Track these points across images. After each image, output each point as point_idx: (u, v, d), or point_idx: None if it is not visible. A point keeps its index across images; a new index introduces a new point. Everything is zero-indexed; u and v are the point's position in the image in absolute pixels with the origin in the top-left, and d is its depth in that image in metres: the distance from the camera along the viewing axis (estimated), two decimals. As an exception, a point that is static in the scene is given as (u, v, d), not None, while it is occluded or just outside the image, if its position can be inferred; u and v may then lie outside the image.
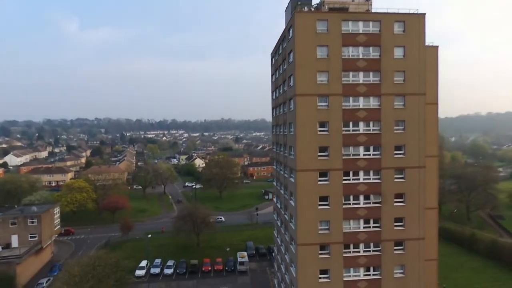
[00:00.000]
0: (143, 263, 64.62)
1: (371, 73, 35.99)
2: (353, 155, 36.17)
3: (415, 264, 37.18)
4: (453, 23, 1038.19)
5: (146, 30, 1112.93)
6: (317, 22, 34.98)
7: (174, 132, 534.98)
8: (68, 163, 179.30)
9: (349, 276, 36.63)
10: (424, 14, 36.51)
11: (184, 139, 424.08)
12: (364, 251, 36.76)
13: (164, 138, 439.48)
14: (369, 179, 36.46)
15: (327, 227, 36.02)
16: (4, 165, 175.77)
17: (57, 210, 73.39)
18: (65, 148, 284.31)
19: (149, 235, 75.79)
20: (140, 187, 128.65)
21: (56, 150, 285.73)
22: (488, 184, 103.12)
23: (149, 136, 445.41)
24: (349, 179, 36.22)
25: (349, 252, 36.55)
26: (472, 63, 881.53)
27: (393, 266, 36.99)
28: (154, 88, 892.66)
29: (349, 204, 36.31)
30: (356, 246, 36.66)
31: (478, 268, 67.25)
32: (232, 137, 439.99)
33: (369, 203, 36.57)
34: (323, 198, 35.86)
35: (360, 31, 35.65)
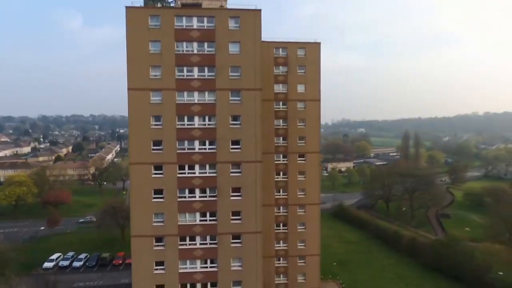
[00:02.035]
0: (54, 256, 65.73)
1: (206, 68, 36.50)
2: (188, 149, 36.73)
3: (252, 257, 37.73)
4: (452, 23, 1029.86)
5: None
6: (150, 18, 35.53)
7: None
8: (41, 158, 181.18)
9: (185, 268, 37.26)
10: (260, 10, 36.95)
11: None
12: (200, 244, 37.36)
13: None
14: (205, 173, 37.04)
15: (161, 220, 36.66)
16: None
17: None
18: (48, 144, 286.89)
19: (68, 231, 76.99)
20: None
21: (42, 146, 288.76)
22: (429, 185, 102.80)
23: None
24: (185, 173, 36.80)
25: (185, 244, 37.17)
26: (471, 63, 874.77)
27: (230, 259, 37.56)
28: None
29: (185, 197, 36.90)
30: (192, 238, 37.26)
31: (388, 265, 67.51)
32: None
33: (205, 196, 37.16)
34: (158, 191, 36.49)
35: (194, 27, 36.14)
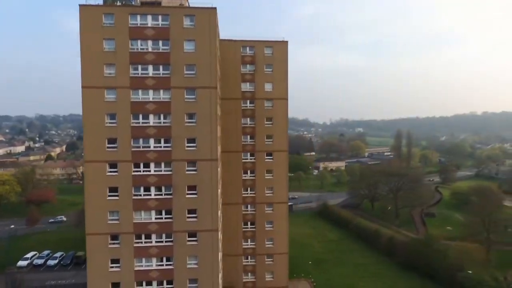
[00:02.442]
0: (29, 254, 65.85)
1: (160, 66, 36.52)
2: (143, 147, 36.77)
3: (208, 255, 37.74)
4: (453, 23, 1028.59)
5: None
6: (104, 16, 35.55)
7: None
8: (32, 157, 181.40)
9: (141, 266, 37.30)
10: (215, 8, 36.94)
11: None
12: (156, 242, 37.40)
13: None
14: (160, 171, 37.06)
15: (117, 218, 36.69)
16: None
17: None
18: (43, 143, 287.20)
19: (48, 229, 77.02)
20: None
21: (37, 145, 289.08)
22: (413, 184, 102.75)
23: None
24: (140, 171, 36.83)
25: (141, 242, 37.20)
26: (471, 63, 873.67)
27: (185, 257, 37.57)
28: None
29: (140, 195, 36.93)
30: (148, 236, 37.29)
31: (365, 264, 67.51)
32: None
33: (161, 194, 37.19)
34: (113, 189, 36.51)
35: (149, 25, 36.17)
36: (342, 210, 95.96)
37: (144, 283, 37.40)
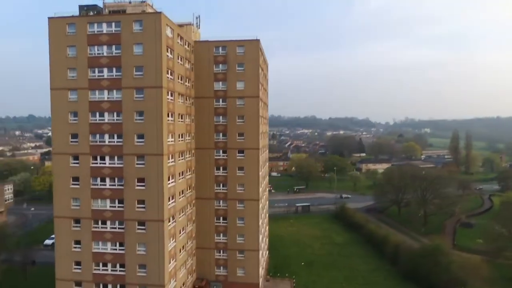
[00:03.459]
0: (55, 234, 75.97)
1: (114, 69, 40.14)
2: (99, 141, 40.83)
3: (155, 243, 40.34)
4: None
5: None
6: (68, 26, 40.40)
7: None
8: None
9: (98, 248, 41.47)
10: (160, 13, 39.33)
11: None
12: (110, 228, 41.20)
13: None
14: (114, 163, 40.73)
15: (78, 204, 41.38)
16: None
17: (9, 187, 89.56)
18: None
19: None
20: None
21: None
22: (443, 189, 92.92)
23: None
24: (97, 163, 40.99)
25: (98, 227, 41.37)
26: None
27: (135, 244, 40.73)
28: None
29: (97, 185, 41.08)
30: (104, 222, 41.28)
31: (363, 270, 64.59)
32: (269, 133, 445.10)
33: (114, 185, 40.85)
34: (75, 178, 41.29)
35: (104, 32, 40.05)
36: (357, 214, 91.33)
37: (100, 264, 41.56)
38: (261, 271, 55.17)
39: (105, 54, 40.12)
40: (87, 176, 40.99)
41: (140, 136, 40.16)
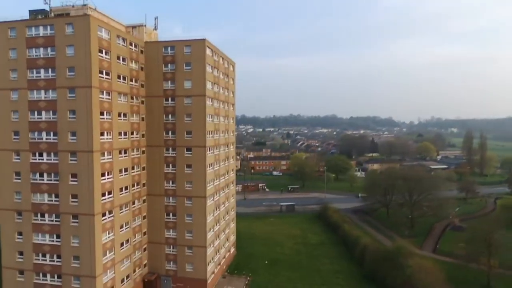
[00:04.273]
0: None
1: (49, 70, 42.26)
2: (37, 138, 43.14)
3: (87, 236, 42.14)
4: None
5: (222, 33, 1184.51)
6: (9, 29, 43.00)
7: (242, 127, 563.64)
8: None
9: (38, 239, 43.88)
10: (89, 16, 40.93)
11: (243, 134, 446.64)
12: (48, 220, 43.45)
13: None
14: (50, 159, 42.93)
15: (20, 197, 43.97)
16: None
17: None
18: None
19: None
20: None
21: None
22: (432, 191, 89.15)
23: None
24: (36, 159, 43.34)
25: (37, 219, 43.74)
26: None
27: (70, 236, 42.73)
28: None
29: (36, 179, 43.45)
30: (42, 215, 43.58)
31: (325, 271, 63.65)
32: (284, 133, 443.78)
33: (51, 180, 43.05)
34: (17, 173, 43.91)
35: (41, 35, 42.26)
36: (336, 214, 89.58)
37: (40, 255, 43.96)
38: (211, 267, 55.83)
39: (41, 56, 42.33)
40: (27, 171, 43.48)
41: (73, 134, 42.05)
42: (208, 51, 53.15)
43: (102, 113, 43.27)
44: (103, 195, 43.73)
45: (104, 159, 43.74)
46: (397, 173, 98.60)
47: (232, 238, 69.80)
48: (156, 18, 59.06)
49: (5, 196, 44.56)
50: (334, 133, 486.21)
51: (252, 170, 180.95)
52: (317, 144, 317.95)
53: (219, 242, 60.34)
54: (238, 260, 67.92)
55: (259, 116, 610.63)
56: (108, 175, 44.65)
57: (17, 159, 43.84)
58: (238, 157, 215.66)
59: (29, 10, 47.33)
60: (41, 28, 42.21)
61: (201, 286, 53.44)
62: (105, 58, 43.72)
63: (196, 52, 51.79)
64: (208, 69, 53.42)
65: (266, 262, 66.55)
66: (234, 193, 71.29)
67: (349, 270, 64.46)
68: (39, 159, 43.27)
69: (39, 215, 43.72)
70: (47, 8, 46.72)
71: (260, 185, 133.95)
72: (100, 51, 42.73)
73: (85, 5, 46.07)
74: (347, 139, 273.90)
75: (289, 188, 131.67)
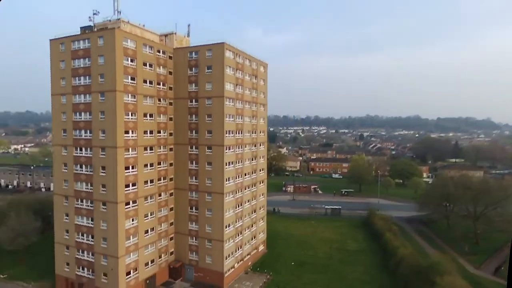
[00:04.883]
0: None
1: (87, 77, 49.65)
2: (78, 136, 50.96)
3: (112, 221, 48.29)
4: None
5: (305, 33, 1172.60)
6: (60, 44, 51.80)
7: (314, 128, 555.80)
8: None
9: (78, 221, 51.78)
10: (114, 29, 46.83)
11: (314, 135, 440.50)
12: (85, 205, 50.95)
13: (300, 133, 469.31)
14: (87, 154, 50.30)
15: (67, 185, 52.51)
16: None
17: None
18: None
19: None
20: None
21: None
22: (502, 202, 76.33)
23: (284, 131, 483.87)
24: (77, 153, 51.24)
25: (78, 204, 51.62)
26: None
27: (100, 220, 49.46)
28: (303, 85, 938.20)
29: (78, 170, 51.36)
30: (81, 200, 51.28)
31: (354, 280, 60.24)
32: (358, 134, 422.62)
33: (88, 171, 50.45)
34: (65, 165, 52.54)
35: (81, 47, 49.92)
36: (380, 221, 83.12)
37: (80, 234, 51.80)
38: (230, 262, 57.96)
39: (81, 65, 50.02)
40: (72, 163, 51.73)
41: (103, 132, 48.68)
42: (228, 54, 55.61)
43: (127, 114, 49.10)
44: (127, 186, 49.51)
45: (128, 154, 49.50)
46: (459, 181, 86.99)
47: (261, 236, 70.98)
48: (188, 25, 63.98)
49: (58, 183, 53.73)
50: (416, 135, 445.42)
51: (311, 172, 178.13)
52: (392, 147, 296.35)
53: (242, 238, 62.19)
54: (266, 258, 68.79)
55: (333, 117, 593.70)
56: (132, 168, 50.35)
57: (65, 152, 52.46)
58: (301, 158, 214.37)
59: (80, 27, 56.02)
60: (81, 42, 49.90)
61: (219, 278, 56.06)
62: (131, 65, 49.48)
63: (216, 56, 54.70)
64: (229, 71, 55.84)
65: (293, 263, 66.05)
66: (265, 192, 72.36)
67: (380, 281, 60.08)
68: (79, 153, 51.10)
69: (79, 200, 51.60)
70: (92, 24, 54.78)
71: (312, 187, 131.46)
72: (126, 59, 48.58)
73: (118, 19, 52.77)
74: (426, 142, 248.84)
75: (343, 192, 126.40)
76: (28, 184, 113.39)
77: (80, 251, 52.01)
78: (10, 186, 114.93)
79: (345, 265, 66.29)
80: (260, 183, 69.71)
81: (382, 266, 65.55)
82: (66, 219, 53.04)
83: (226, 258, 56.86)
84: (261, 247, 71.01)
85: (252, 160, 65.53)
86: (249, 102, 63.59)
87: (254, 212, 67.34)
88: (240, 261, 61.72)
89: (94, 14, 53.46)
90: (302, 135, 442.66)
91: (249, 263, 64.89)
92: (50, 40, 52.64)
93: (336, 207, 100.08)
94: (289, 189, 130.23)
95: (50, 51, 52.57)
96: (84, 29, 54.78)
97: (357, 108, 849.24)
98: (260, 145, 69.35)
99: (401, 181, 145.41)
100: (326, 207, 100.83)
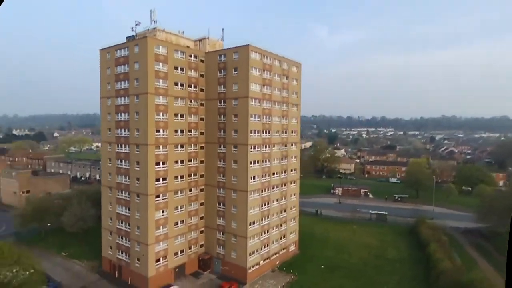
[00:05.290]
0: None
1: (126, 81, 55.46)
2: (119, 134, 57.13)
3: (143, 212, 53.30)
4: None
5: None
6: (107, 53, 58.75)
7: (380, 130, 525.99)
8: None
9: (119, 210, 58.01)
10: (146, 38, 51.56)
11: (379, 136, 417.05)
12: (124, 196, 56.85)
13: (363, 134, 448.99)
14: (126, 150, 56.14)
15: (110, 178, 59.26)
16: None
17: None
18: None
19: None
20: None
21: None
22: None
23: (346, 132, 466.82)
24: (119, 149, 57.50)
25: (119, 195, 57.86)
26: None
27: (135, 210, 54.83)
28: (376, 84, 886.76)
29: (118, 164, 57.59)
30: (121, 192, 57.33)
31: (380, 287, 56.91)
32: (428, 137, 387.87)
33: (126, 165, 56.27)
34: (110, 160, 59.36)
35: (122, 55, 55.93)
36: (428, 231, 76.10)
37: (120, 221, 58.04)
38: (254, 258, 59.20)
39: (122, 71, 56.13)
40: (114, 158, 58.28)
41: (138, 130, 53.99)
42: (253, 55, 57.08)
43: (158, 114, 53.70)
44: (157, 180, 54.11)
45: (159, 151, 54.09)
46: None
47: (292, 236, 70.80)
48: (222, 30, 67.04)
49: (104, 175, 60.98)
50: (502, 138, 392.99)
51: (366, 175, 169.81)
52: (468, 151, 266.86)
53: (269, 237, 63.00)
54: (297, 259, 68.48)
55: (402, 118, 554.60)
56: (162, 164, 54.84)
57: (109, 149, 59.31)
58: (358, 160, 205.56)
59: (126, 37, 62.75)
60: (122, 50, 56.00)
61: (242, 273, 57.79)
62: (162, 69, 53.99)
63: (241, 57, 56.62)
64: (254, 72, 57.29)
65: (323, 266, 64.74)
66: (297, 192, 71.99)
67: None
68: (120, 149, 57.33)
69: (120, 191, 57.88)
70: (134, 34, 60.94)
71: (362, 190, 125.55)
72: (157, 64, 53.21)
73: (155, 28, 57.94)
74: (508, 146, 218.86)
75: (396, 197, 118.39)
76: (97, 177, 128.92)
77: (120, 237, 58.25)
78: (83, 178, 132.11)
79: (380, 273, 62.84)
80: (291, 183, 69.68)
81: (421, 279, 60.66)
82: (110, 208, 59.87)
83: (250, 255, 58.33)
84: (292, 248, 70.87)
85: (282, 159, 65.93)
86: (279, 102, 64.19)
87: (284, 211, 67.60)
88: (267, 259, 62.63)
89: (136, 24, 59.60)
90: (366, 136, 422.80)
91: (277, 262, 65.40)
92: (100, 50, 59.99)
93: (382, 212, 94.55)
94: (337, 191, 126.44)
95: (100, 59, 59.93)
96: (128, 38, 61.27)
97: (430, 109, 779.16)
98: (292, 145, 69.34)
99: (469, 188, 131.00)
100: (371, 211, 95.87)
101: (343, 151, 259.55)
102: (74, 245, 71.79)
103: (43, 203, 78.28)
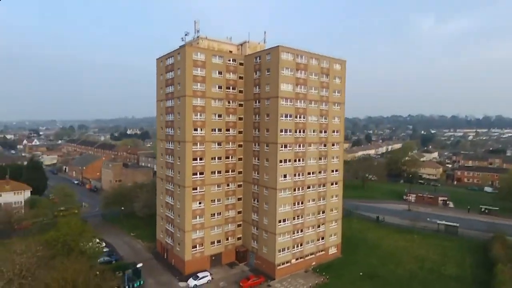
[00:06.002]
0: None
1: (171, 86, 62.62)
2: (167, 132, 64.73)
3: (182, 202, 59.53)
4: None
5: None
6: (160, 62, 67.14)
7: (495, 131, 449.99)
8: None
9: (167, 199, 65.78)
10: (185, 46, 57.33)
11: (491, 138, 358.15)
12: (170, 187, 64.26)
13: (470, 136, 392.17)
14: (171, 147, 63.37)
15: (162, 171, 67.57)
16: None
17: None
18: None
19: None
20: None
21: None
22: None
23: (449, 133, 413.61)
24: (167, 146, 65.16)
25: (167, 186, 65.56)
26: None
27: (177, 200, 61.62)
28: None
29: (167, 159, 65.30)
30: (169, 183, 64.89)
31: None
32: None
33: (171, 160, 63.48)
34: (161, 155, 67.73)
35: (169, 63, 63.31)
36: (501, 248, 63.97)
37: (167, 209, 65.71)
38: (284, 255, 59.83)
39: (169, 77, 63.54)
40: (164, 154, 66.32)
41: (179, 129, 60.54)
42: (285, 56, 57.89)
43: (196, 114, 59.19)
44: (195, 174, 59.68)
45: (196, 148, 59.61)
46: None
47: (333, 239, 68.67)
48: (265, 33, 69.39)
49: (158, 169, 69.83)
50: None
51: (455, 182, 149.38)
52: None
53: (302, 236, 62.79)
54: (336, 262, 66.36)
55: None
56: (200, 160, 60.21)
57: (161, 145, 67.67)
58: (450, 165, 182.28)
59: (180, 46, 70.49)
60: (169, 59, 63.39)
61: (272, 269, 59.28)
62: (200, 74, 59.29)
63: (273, 58, 58.10)
64: (286, 72, 58.08)
65: (361, 273, 61.45)
66: (339, 194, 69.35)
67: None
68: (168, 146, 64.99)
69: (167, 183, 65.59)
70: (184, 43, 68.08)
71: (440, 198, 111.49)
72: (195, 69, 58.72)
73: (198, 37, 63.82)
74: None
75: (482, 209, 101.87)
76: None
77: (168, 223, 65.98)
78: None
79: (426, 285, 56.68)
80: (333, 184, 67.77)
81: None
82: (161, 197, 68.26)
83: (280, 252, 59.38)
84: (333, 250, 68.82)
85: (320, 159, 64.82)
86: (316, 101, 63.36)
87: (322, 212, 66.25)
88: (300, 258, 62.63)
89: (185, 35, 66.70)
90: (472, 138, 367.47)
91: (313, 263, 64.66)
92: (156, 59, 68.87)
93: (453, 223, 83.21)
94: (410, 198, 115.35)
95: (156, 67, 68.82)
96: (180, 47, 68.79)
97: None
98: (334, 145, 67.39)
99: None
100: (438, 222, 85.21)
101: (435, 154, 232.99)
102: (141, 228, 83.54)
103: (122, 190, 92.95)
